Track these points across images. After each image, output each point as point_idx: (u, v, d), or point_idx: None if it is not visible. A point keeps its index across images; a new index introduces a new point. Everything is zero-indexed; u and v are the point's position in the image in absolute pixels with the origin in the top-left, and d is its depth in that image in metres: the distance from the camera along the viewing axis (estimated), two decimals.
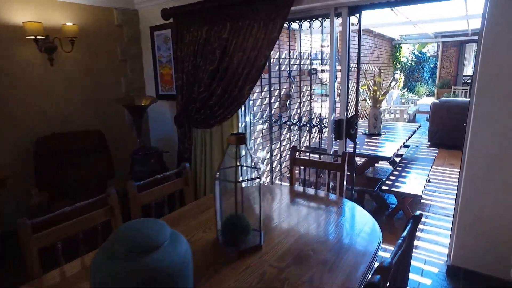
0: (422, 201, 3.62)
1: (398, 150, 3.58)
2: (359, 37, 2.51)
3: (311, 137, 3.27)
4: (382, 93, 4.27)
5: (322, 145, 3.09)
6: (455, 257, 2.29)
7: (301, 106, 4.71)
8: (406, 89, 11.86)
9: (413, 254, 2.53)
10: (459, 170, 2.28)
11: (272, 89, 3.44)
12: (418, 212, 1.06)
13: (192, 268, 1.00)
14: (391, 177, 3.51)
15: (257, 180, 1.27)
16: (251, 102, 3.42)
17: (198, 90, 2.91)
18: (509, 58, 1.88)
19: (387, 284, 0.86)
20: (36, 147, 2.85)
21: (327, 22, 2.53)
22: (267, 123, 3.40)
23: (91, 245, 1.37)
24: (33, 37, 2.69)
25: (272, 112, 3.31)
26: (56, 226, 1.27)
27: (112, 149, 3.32)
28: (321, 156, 2.67)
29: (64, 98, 3.12)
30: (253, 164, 1.28)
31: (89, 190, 2.91)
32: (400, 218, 3.35)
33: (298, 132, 3.19)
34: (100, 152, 3.15)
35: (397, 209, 3.35)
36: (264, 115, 3.44)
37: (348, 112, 2.62)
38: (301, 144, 3.98)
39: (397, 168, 3.82)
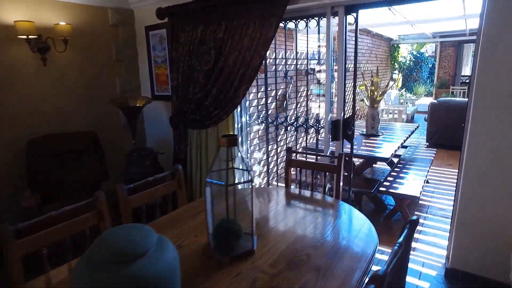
0: (420, 202, 3.58)
1: (396, 150, 3.54)
2: (356, 37, 2.48)
3: (307, 138, 3.23)
4: (380, 93, 4.23)
5: (319, 146, 3.05)
6: (454, 260, 2.26)
7: (298, 106, 4.68)
8: (404, 89, 11.85)
9: (411, 256, 2.50)
10: (457, 170, 2.25)
11: (269, 89, 3.41)
12: (415, 217, 1.02)
13: (180, 275, 0.96)
14: (389, 178, 3.48)
15: (250, 184, 1.23)
16: (247, 102, 3.38)
17: (194, 91, 2.87)
18: (507, 58, 1.86)
19: None
20: (28, 148, 2.80)
21: (323, 22, 2.50)
22: (263, 124, 3.36)
23: (80, 250, 1.33)
24: (25, 37, 2.65)
25: (269, 112, 3.28)
26: (40, 232, 1.22)
27: (107, 150, 3.28)
28: (318, 157, 2.64)
29: (57, 98, 3.07)
30: (245, 166, 1.24)
31: (82, 192, 2.86)
32: (398, 219, 3.31)
33: (294, 133, 3.15)
34: (94, 153, 3.10)
35: (395, 211, 3.31)
36: (261, 116, 3.41)
37: (345, 113, 2.59)
38: (298, 145, 3.94)
39: (395, 169, 3.78)
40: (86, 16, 3.20)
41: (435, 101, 5.96)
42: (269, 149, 3.44)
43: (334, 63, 2.58)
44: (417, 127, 4.80)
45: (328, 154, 2.67)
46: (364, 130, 4.27)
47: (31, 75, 2.87)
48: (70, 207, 1.34)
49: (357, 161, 4.11)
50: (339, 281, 1.14)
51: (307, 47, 2.92)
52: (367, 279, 1.19)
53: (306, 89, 4.32)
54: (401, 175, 3.57)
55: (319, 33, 2.64)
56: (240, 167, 1.28)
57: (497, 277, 2.08)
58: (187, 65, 2.88)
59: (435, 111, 5.79)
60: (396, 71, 11.56)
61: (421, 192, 3.11)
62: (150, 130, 3.83)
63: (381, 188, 3.19)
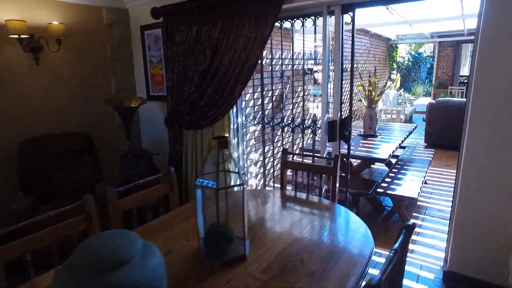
0: (418, 203, 3.55)
1: (394, 151, 3.51)
2: (353, 36, 2.45)
3: (304, 139, 3.20)
4: (377, 93, 4.20)
5: (315, 147, 3.02)
6: (452, 262, 2.22)
7: (295, 107, 4.65)
8: (402, 89, 11.83)
9: (408, 259, 2.47)
10: (455, 171, 2.22)
11: (266, 89, 3.37)
12: (411, 222, 0.99)
13: (166, 283, 0.92)
14: (386, 179, 3.44)
15: (241, 187, 1.19)
16: (244, 103, 3.34)
17: (189, 91, 2.83)
18: (505, 58, 1.83)
19: None
20: (21, 149, 2.75)
21: (320, 21, 2.46)
22: (260, 125, 3.32)
23: (67, 256, 1.29)
24: (16, 36, 2.60)
25: (266, 113, 3.24)
26: (24, 237, 1.18)
27: (102, 151, 3.24)
28: (315, 159, 2.60)
29: (51, 99, 3.03)
30: (236, 169, 1.20)
31: (76, 194, 2.82)
32: (396, 221, 3.28)
33: (291, 134, 3.11)
34: (88, 154, 3.06)
35: (393, 212, 3.28)
36: (257, 117, 3.37)
37: (342, 113, 2.55)
38: (294, 146, 3.91)
39: (393, 170, 3.75)
40: (80, 16, 3.16)
41: (433, 101, 5.94)
42: (265, 150, 3.40)
43: (331, 63, 2.54)
44: (415, 127, 4.77)
45: (324, 155, 2.64)
46: (362, 130, 4.24)
47: (24, 75, 2.83)
48: (56, 211, 1.30)
49: (355, 162, 4.08)
50: (333, 287, 1.10)
51: (303, 47, 2.88)
52: (363, 283, 1.16)
53: (303, 89, 4.29)
54: (399, 176, 3.54)
55: (315, 33, 2.60)
56: (233, 170, 1.24)
57: (496, 280, 2.05)
58: (182, 65, 2.84)
59: (433, 111, 5.76)
60: (395, 71, 11.55)
61: (419, 193, 3.08)
62: (145, 130, 3.79)
63: (378, 190, 3.16)
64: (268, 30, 2.34)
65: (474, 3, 4.07)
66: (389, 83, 8.62)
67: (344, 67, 2.50)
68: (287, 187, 2.15)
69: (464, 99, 2.30)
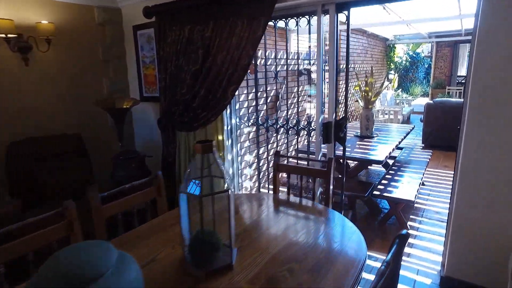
0: (415, 205, 3.50)
1: (390, 152, 3.46)
2: (348, 36, 2.40)
3: (299, 141, 3.14)
4: (374, 94, 4.15)
5: (310, 149, 2.96)
6: (449, 267, 2.17)
7: (291, 107, 4.59)
8: (400, 89, 11.80)
9: (405, 263, 2.41)
10: (453, 172, 2.17)
11: (261, 90, 3.31)
12: (404, 231, 0.93)
13: None
14: (383, 181, 3.39)
15: (226, 193, 1.13)
16: (238, 104, 3.29)
17: (181, 92, 2.77)
18: (502, 58, 1.79)
19: None
20: (9, 151, 2.69)
21: (314, 20, 2.41)
22: (254, 126, 3.27)
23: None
24: (3, 36, 2.54)
25: (260, 114, 3.18)
26: None
27: (94, 153, 3.17)
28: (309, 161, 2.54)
29: (41, 100, 2.96)
30: (221, 174, 1.14)
31: (66, 197, 2.75)
32: (392, 223, 3.23)
33: (286, 135, 3.06)
34: (79, 156, 2.99)
35: (390, 215, 3.23)
36: (252, 118, 3.31)
37: (337, 114, 2.50)
38: (290, 148, 3.85)
39: (390, 172, 3.70)
40: (71, 15, 3.09)
41: (431, 101, 5.89)
42: (260, 152, 3.34)
43: (326, 63, 2.49)
44: (413, 128, 4.72)
45: (319, 157, 2.58)
46: (359, 131, 4.19)
47: (12, 75, 2.76)
48: (35, 218, 1.24)
49: (351, 163, 4.03)
50: None
51: (298, 46, 2.83)
52: None
53: (297, 90, 4.23)
54: (396, 177, 3.49)
55: (309, 32, 2.55)
56: (219, 175, 1.18)
57: (494, 286, 1.99)
58: (175, 65, 2.79)
59: (431, 111, 5.72)
60: (392, 71, 11.52)
61: (416, 195, 3.03)
62: (139, 131, 3.73)
63: (375, 192, 3.11)
64: (261, 30, 2.29)
65: (472, 3, 4.03)
66: (386, 83, 8.58)
67: (341, 67, 2.45)
68: (283, 189, 2.09)
69: (462, 100, 2.25)
